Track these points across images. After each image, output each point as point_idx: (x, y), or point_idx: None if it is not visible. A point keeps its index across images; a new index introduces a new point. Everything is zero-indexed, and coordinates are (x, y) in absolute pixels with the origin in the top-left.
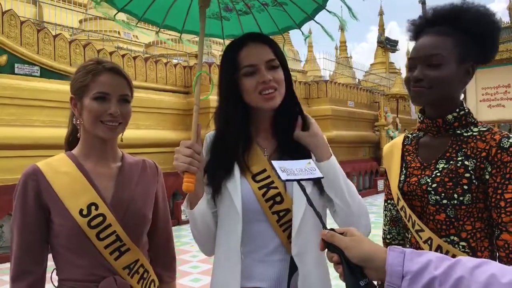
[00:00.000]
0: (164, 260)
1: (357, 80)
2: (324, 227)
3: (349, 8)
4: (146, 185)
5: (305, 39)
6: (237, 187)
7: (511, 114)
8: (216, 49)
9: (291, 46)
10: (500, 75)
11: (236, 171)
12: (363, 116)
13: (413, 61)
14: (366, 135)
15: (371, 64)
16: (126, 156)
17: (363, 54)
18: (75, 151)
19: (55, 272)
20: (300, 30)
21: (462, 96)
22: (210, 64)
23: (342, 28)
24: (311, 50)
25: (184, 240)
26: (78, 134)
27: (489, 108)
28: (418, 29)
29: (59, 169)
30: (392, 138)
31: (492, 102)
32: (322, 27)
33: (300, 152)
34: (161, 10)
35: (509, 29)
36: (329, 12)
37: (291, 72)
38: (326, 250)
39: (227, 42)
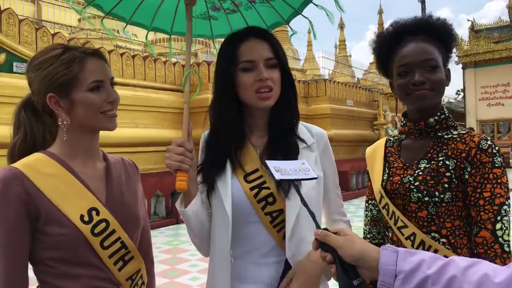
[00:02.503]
0: (146, 265)
1: (356, 78)
2: (318, 226)
3: (336, 0)
4: (133, 186)
5: (290, 36)
6: (228, 188)
7: (510, 112)
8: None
9: (290, 45)
10: (499, 74)
11: (228, 170)
12: (362, 114)
13: (408, 66)
14: (365, 133)
15: (370, 63)
16: (107, 154)
17: (362, 53)
18: (54, 150)
19: None
20: (289, 26)
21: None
22: (209, 63)
23: (341, 27)
24: (311, 48)
25: (182, 239)
26: (64, 136)
27: (488, 107)
28: (396, 37)
29: (43, 170)
30: None
31: (492, 100)
32: (310, 22)
33: (291, 153)
34: (149, 13)
35: (508, 28)
36: (316, 5)
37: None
38: (320, 249)
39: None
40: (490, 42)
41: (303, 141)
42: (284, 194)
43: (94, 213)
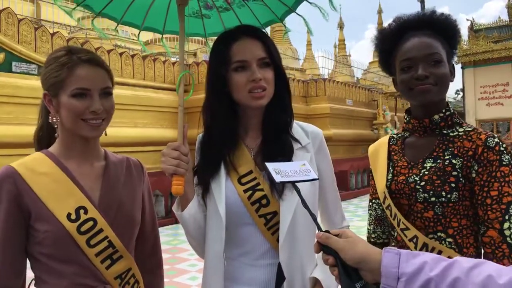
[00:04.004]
0: (150, 267)
1: (355, 78)
2: (319, 229)
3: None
4: (133, 185)
5: (284, 34)
6: (222, 190)
7: (509, 112)
8: None
9: (290, 44)
10: (499, 74)
11: (222, 172)
12: (362, 114)
13: (411, 60)
14: (364, 133)
15: (369, 62)
16: (109, 154)
17: (361, 52)
18: (53, 149)
19: (33, 283)
20: (283, 24)
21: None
22: (207, 62)
23: (341, 26)
24: (310, 48)
25: (181, 239)
26: (56, 134)
27: (487, 107)
28: (398, 33)
29: (37, 169)
30: None
31: (491, 100)
32: (304, 19)
33: (285, 154)
34: (140, 12)
35: (507, 28)
36: (310, 3)
37: (290, 71)
38: (322, 252)
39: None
40: (489, 42)
41: (297, 141)
42: (278, 195)
43: (82, 211)
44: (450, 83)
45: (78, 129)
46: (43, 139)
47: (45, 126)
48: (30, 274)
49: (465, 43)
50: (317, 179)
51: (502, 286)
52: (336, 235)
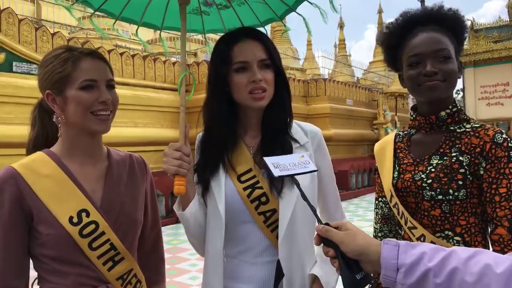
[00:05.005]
0: (151, 263)
1: (356, 78)
2: (319, 221)
3: (330, 0)
4: (135, 185)
5: (282, 33)
6: (221, 188)
7: (509, 112)
8: None
9: (290, 44)
10: (499, 73)
11: (222, 170)
12: (362, 114)
13: (419, 56)
14: (364, 133)
15: (370, 62)
16: (112, 152)
17: (362, 52)
18: (55, 149)
19: (36, 282)
20: (282, 22)
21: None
22: (208, 62)
23: (341, 26)
24: (310, 48)
25: (182, 238)
26: (59, 133)
27: (487, 106)
28: (405, 28)
29: (39, 171)
30: None
31: (491, 100)
32: (304, 19)
33: (285, 152)
34: (139, 8)
35: (507, 27)
36: (311, 3)
37: (290, 70)
38: (322, 245)
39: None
40: (489, 42)
41: (296, 141)
42: (277, 193)
43: (84, 214)
44: (458, 79)
45: (87, 122)
46: (38, 148)
47: (40, 135)
48: (33, 273)
49: (466, 43)
50: (316, 170)
51: (500, 275)
52: (336, 228)
